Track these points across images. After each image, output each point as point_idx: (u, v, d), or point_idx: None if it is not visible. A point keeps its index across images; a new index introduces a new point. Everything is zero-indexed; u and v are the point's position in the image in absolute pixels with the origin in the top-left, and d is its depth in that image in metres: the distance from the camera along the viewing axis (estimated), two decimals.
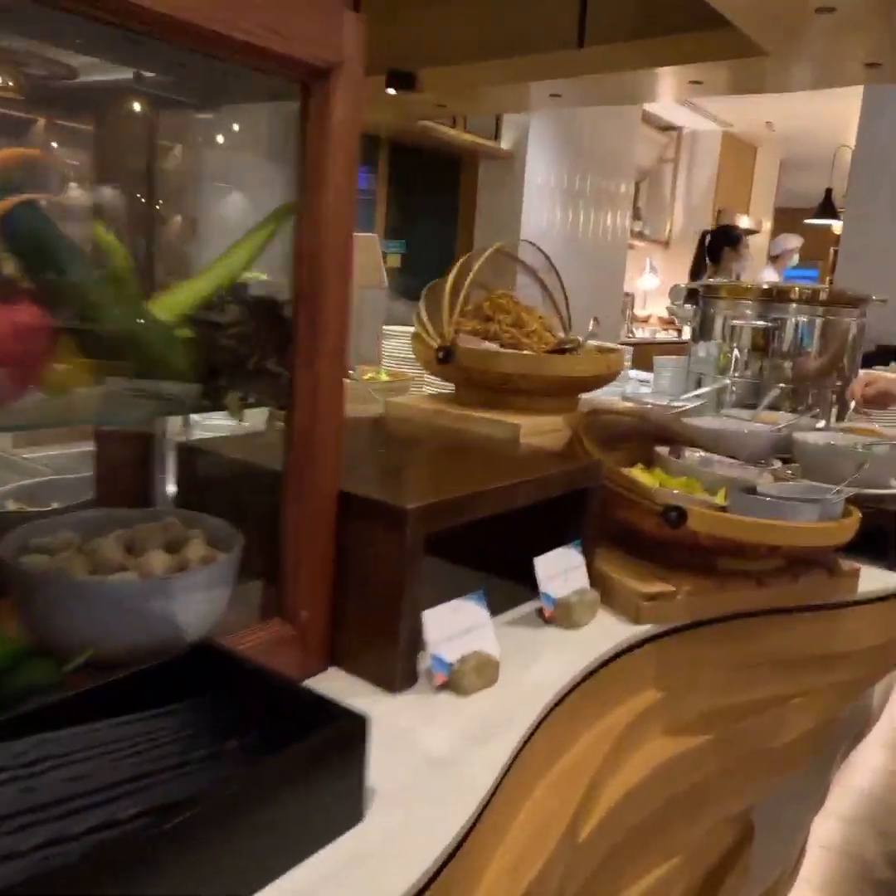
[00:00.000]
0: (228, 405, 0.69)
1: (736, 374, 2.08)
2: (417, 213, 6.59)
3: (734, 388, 2.07)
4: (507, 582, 1.00)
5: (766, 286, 2.10)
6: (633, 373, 3.09)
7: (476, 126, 5.76)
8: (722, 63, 3.18)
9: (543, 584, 0.95)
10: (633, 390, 2.98)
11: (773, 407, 1.84)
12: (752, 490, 1.14)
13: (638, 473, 1.13)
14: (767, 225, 9.91)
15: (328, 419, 0.75)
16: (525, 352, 1.19)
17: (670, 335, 7.49)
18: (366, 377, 1.95)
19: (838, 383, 2.00)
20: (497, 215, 6.11)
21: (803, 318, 2.00)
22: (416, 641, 0.79)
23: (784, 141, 8.83)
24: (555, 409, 1.23)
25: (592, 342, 1.35)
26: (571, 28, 3.31)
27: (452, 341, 1.19)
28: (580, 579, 0.99)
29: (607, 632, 0.97)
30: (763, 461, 1.36)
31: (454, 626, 0.80)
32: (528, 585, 0.95)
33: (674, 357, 2.46)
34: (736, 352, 2.09)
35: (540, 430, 1.16)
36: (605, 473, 1.05)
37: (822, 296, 1.96)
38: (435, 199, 6.47)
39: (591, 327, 1.32)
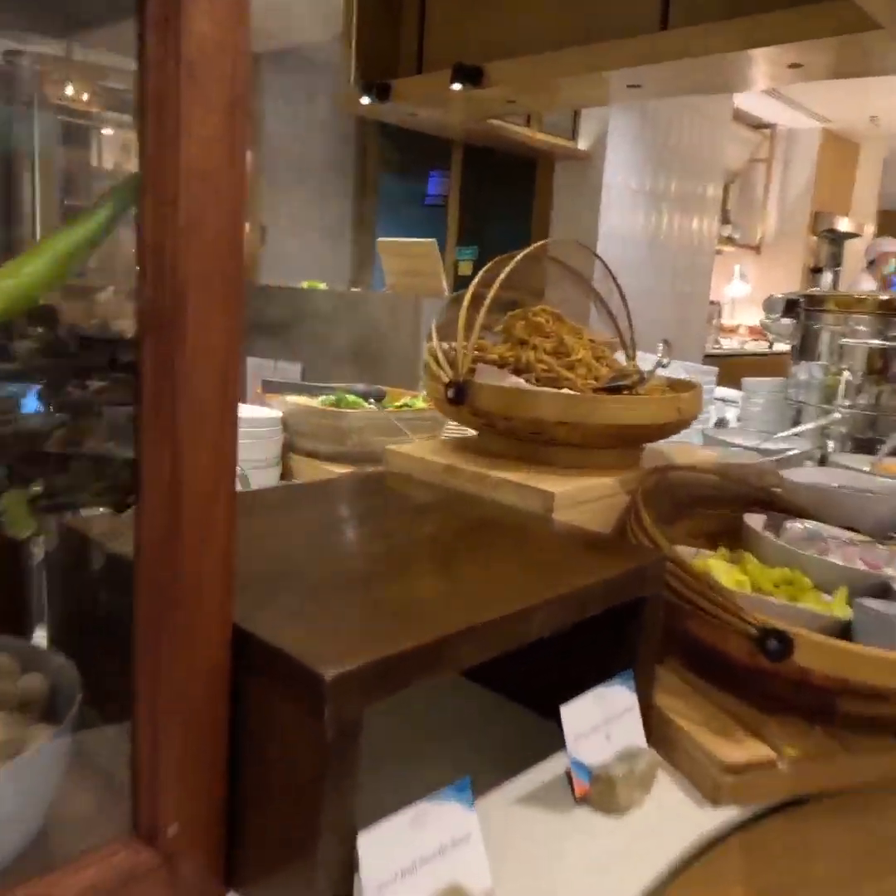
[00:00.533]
0: (8, 511, 0.41)
1: (846, 404, 1.70)
2: (490, 218, 6.31)
3: (843, 423, 1.70)
4: (515, 731, 0.69)
5: (884, 297, 1.72)
6: (720, 391, 2.72)
7: (552, 125, 5.45)
8: (827, 41, 2.78)
9: (573, 745, 0.64)
10: (718, 414, 2.62)
11: None
12: (886, 590, 0.80)
13: (719, 565, 0.80)
14: (870, 228, 9.22)
15: (204, 529, 0.46)
16: (565, 390, 0.88)
17: (760, 346, 6.98)
18: (396, 405, 1.67)
19: None
20: (573, 219, 5.77)
21: None
22: (347, 868, 0.49)
23: (889, 137, 8.17)
24: (607, 465, 0.92)
25: (661, 372, 1.03)
26: (653, 8, 2.96)
27: (467, 374, 0.89)
28: (630, 734, 0.67)
29: (669, 820, 0.65)
30: (894, 534, 1.01)
31: (408, 849, 0.50)
32: (550, 732, 0.65)
33: (767, 379, 2.09)
34: (847, 375, 1.72)
35: (584, 496, 0.85)
36: (671, 570, 0.73)
37: None
38: (508, 204, 6.17)
39: (659, 353, 1.00)
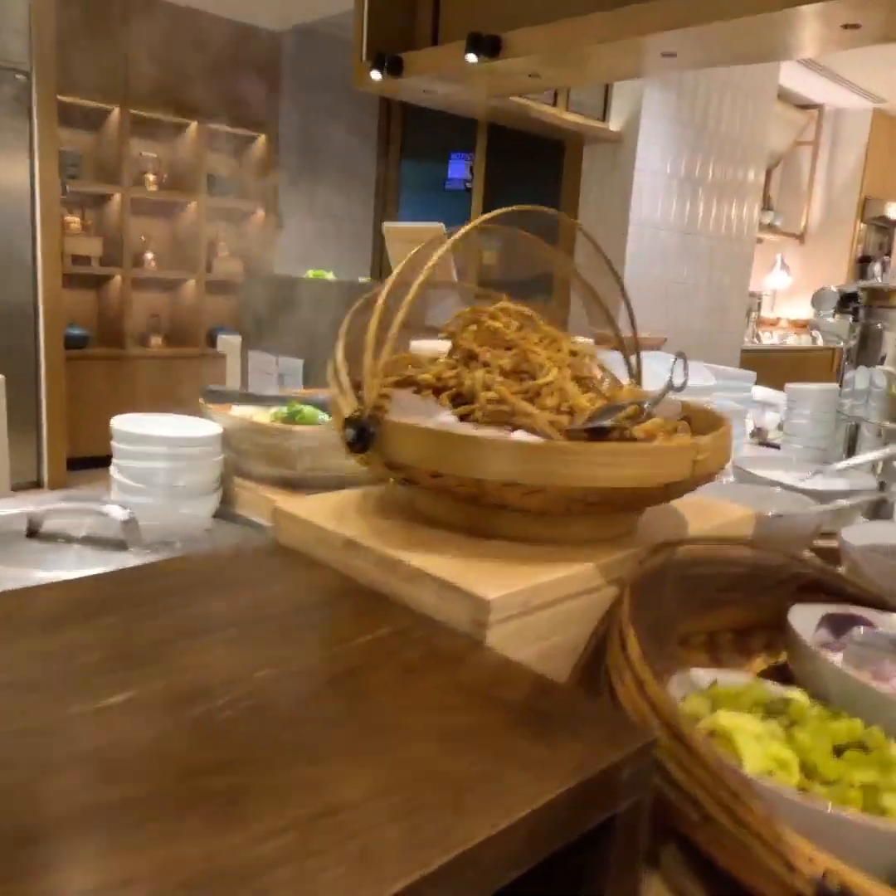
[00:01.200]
0: None
1: None
2: (517, 203, 5.98)
3: None
4: None
5: None
6: (760, 392, 2.38)
7: (581, 105, 5.11)
8: None
9: None
10: (756, 422, 2.29)
11: None
12: None
13: (747, 728, 0.50)
14: None
15: None
16: (519, 434, 0.59)
17: (803, 341, 6.55)
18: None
19: None
20: (603, 205, 5.42)
21: None
22: None
23: None
24: (584, 539, 0.62)
25: (672, 401, 0.73)
26: None
27: (376, 408, 0.60)
28: None
29: None
30: None
31: None
32: None
33: (816, 387, 1.76)
34: None
35: (540, 599, 0.56)
36: (669, 749, 0.43)
37: None
38: (536, 189, 5.84)
39: (671, 375, 0.70)
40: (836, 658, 0.63)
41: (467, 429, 0.58)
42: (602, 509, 0.61)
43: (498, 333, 0.68)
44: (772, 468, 1.18)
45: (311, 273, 3.92)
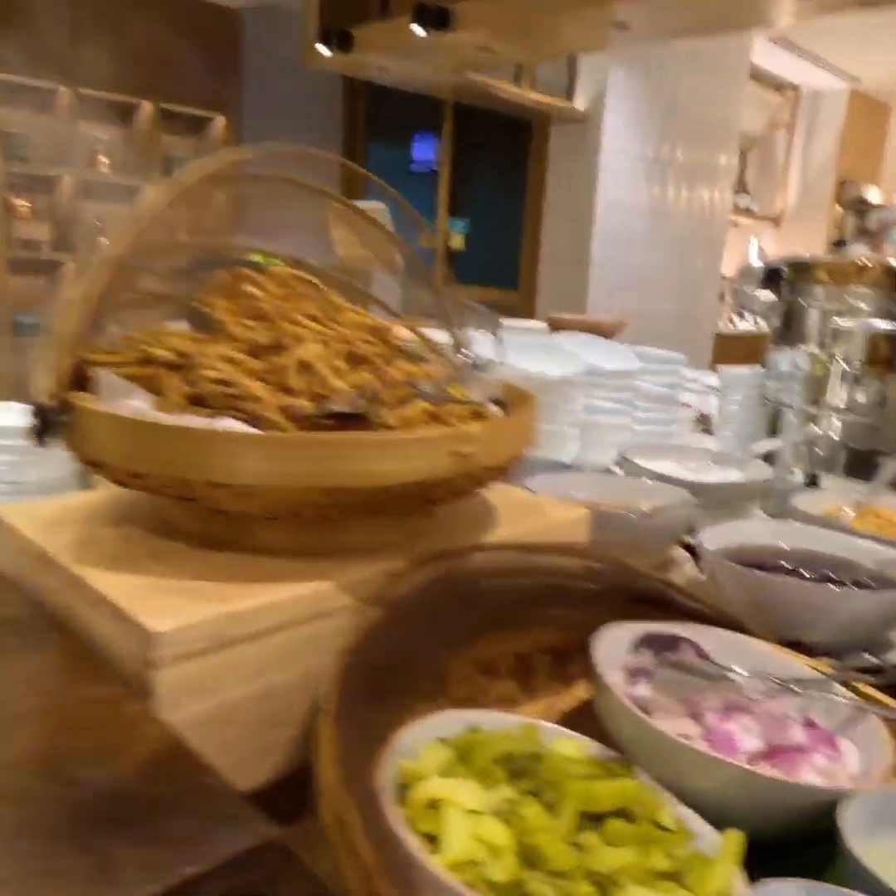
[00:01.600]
0: None
1: (841, 405, 1.28)
2: (483, 186, 5.83)
3: (836, 431, 1.27)
4: None
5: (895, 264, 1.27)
6: (710, 378, 2.27)
7: (545, 83, 4.96)
8: None
9: None
10: (703, 408, 2.18)
11: None
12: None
13: (456, 811, 0.38)
14: None
15: None
16: (227, 423, 0.47)
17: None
18: None
19: None
20: (571, 187, 5.29)
21: None
22: None
23: None
24: (349, 550, 0.51)
25: (487, 382, 0.62)
26: None
27: (66, 390, 0.48)
28: None
29: None
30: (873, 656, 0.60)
31: None
32: None
33: (746, 370, 1.65)
34: (841, 366, 1.29)
35: (241, 631, 0.44)
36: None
37: None
38: (503, 171, 5.70)
39: (474, 350, 0.59)
40: (643, 689, 0.52)
41: (160, 417, 0.46)
42: (347, 514, 0.49)
43: (253, 305, 0.56)
44: (670, 458, 1.07)
45: (260, 257, 3.77)
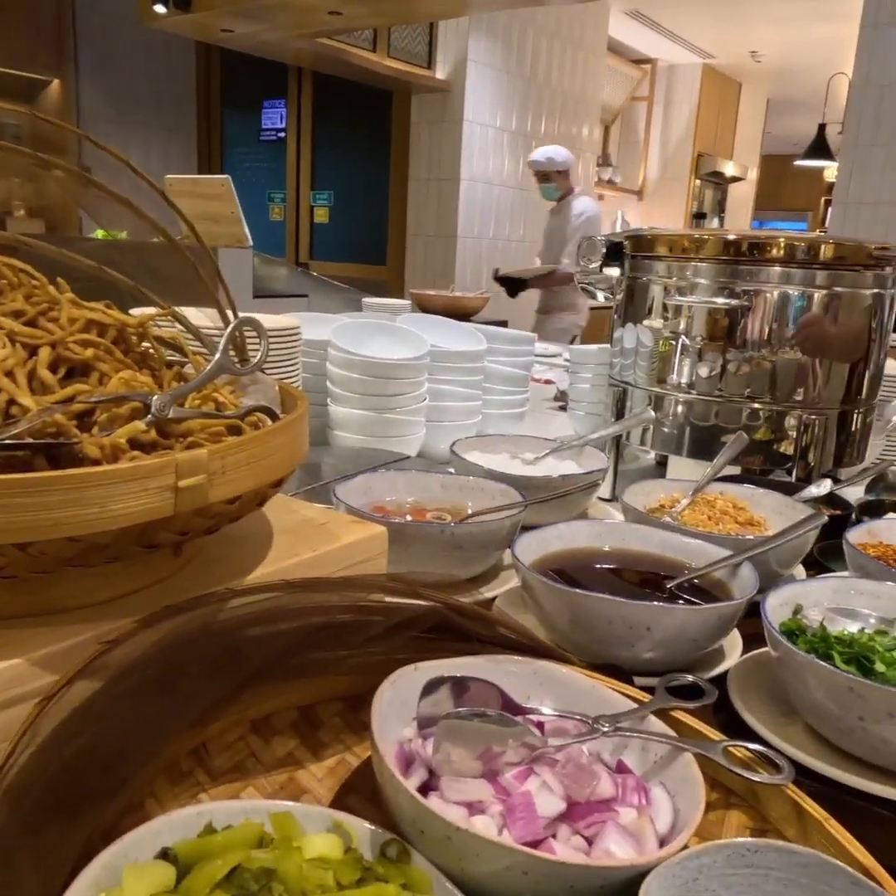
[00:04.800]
0: None
1: (683, 382, 1.25)
2: (346, 157, 5.64)
3: (681, 410, 1.24)
4: None
5: (731, 236, 1.25)
6: (572, 355, 2.25)
7: (404, 52, 4.82)
8: None
9: None
10: (561, 386, 2.16)
11: (746, 463, 1.04)
12: None
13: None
14: (753, 173, 8.97)
15: None
16: None
17: None
18: None
19: (859, 403, 1.18)
20: (434, 158, 5.18)
21: (794, 290, 1.17)
22: None
23: (771, 75, 7.86)
24: (67, 606, 0.41)
25: (260, 384, 0.52)
26: None
27: None
28: None
29: None
30: (693, 677, 0.54)
31: None
32: None
33: (594, 348, 1.62)
34: (682, 341, 1.26)
35: None
36: None
37: (827, 251, 1.12)
38: (366, 142, 5.52)
39: (223, 350, 0.49)
40: (432, 746, 0.44)
41: None
42: (43, 570, 0.39)
43: None
44: (506, 450, 1.00)
45: (99, 233, 3.51)
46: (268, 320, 1.23)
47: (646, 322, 1.32)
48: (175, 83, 5.89)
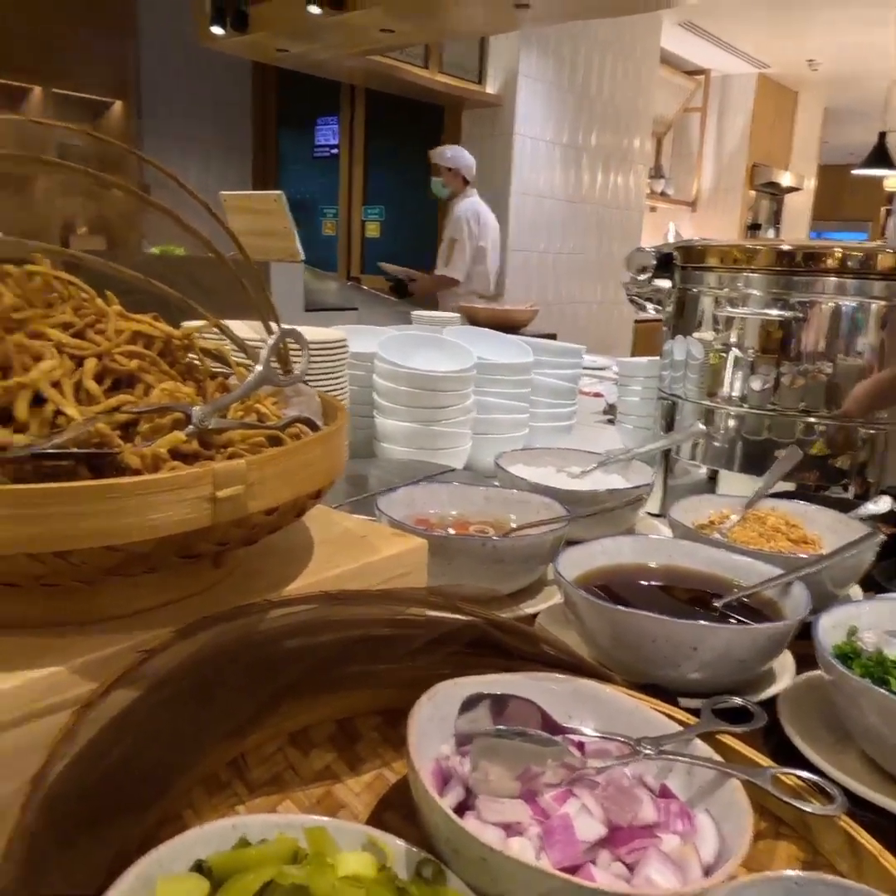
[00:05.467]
0: None
1: (735, 395, 1.22)
2: (397, 173, 5.70)
3: (733, 424, 1.22)
4: None
5: (785, 247, 1.22)
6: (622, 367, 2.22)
7: (456, 67, 4.85)
8: None
9: None
10: (609, 399, 2.14)
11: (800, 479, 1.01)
12: None
13: None
14: (810, 183, 8.80)
15: None
16: None
17: None
18: None
19: None
20: (484, 172, 5.19)
21: (850, 301, 1.13)
22: None
23: (829, 84, 7.71)
24: (102, 616, 0.41)
25: (301, 394, 0.52)
26: None
27: None
28: None
29: None
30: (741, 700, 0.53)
31: None
32: None
33: (644, 360, 1.60)
34: (734, 354, 1.23)
35: None
36: None
37: (885, 260, 1.08)
38: (417, 158, 5.56)
39: (265, 361, 0.49)
40: (471, 765, 0.44)
41: None
42: (82, 580, 0.39)
43: None
44: (551, 463, 0.99)
45: (156, 249, 3.60)
46: (315, 333, 1.24)
47: (696, 334, 1.30)
48: (232, 102, 6.03)
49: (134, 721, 0.38)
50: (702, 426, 1.06)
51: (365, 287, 3.94)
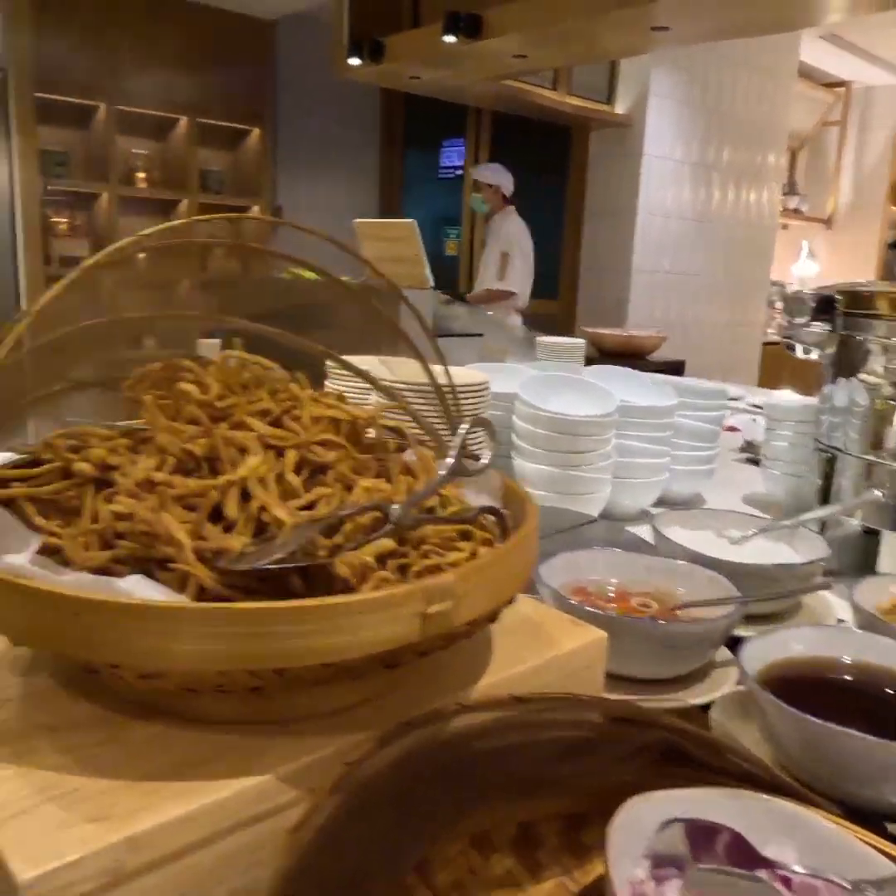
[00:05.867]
0: None
1: None
2: (523, 194, 5.70)
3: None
4: None
5: None
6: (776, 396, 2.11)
7: (584, 88, 4.82)
8: None
9: None
10: (748, 435, 2.06)
11: None
12: None
13: None
14: None
15: None
16: (131, 582, 0.38)
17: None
18: None
19: None
20: (610, 193, 5.13)
21: None
22: None
23: None
24: (297, 720, 0.42)
25: (484, 478, 0.52)
26: None
27: None
28: None
29: None
30: None
31: None
32: None
33: (796, 402, 1.52)
34: None
35: (145, 858, 0.35)
36: None
37: None
38: (542, 179, 5.56)
39: (458, 451, 0.49)
40: (672, 892, 0.41)
41: (34, 572, 0.37)
42: (285, 690, 0.39)
43: (185, 400, 0.47)
44: (709, 526, 0.94)
45: (286, 274, 3.73)
46: (461, 375, 1.24)
47: (861, 382, 1.22)
48: (361, 127, 6.20)
49: (336, 833, 0.37)
50: (878, 492, 0.99)
51: (490, 313, 3.95)
